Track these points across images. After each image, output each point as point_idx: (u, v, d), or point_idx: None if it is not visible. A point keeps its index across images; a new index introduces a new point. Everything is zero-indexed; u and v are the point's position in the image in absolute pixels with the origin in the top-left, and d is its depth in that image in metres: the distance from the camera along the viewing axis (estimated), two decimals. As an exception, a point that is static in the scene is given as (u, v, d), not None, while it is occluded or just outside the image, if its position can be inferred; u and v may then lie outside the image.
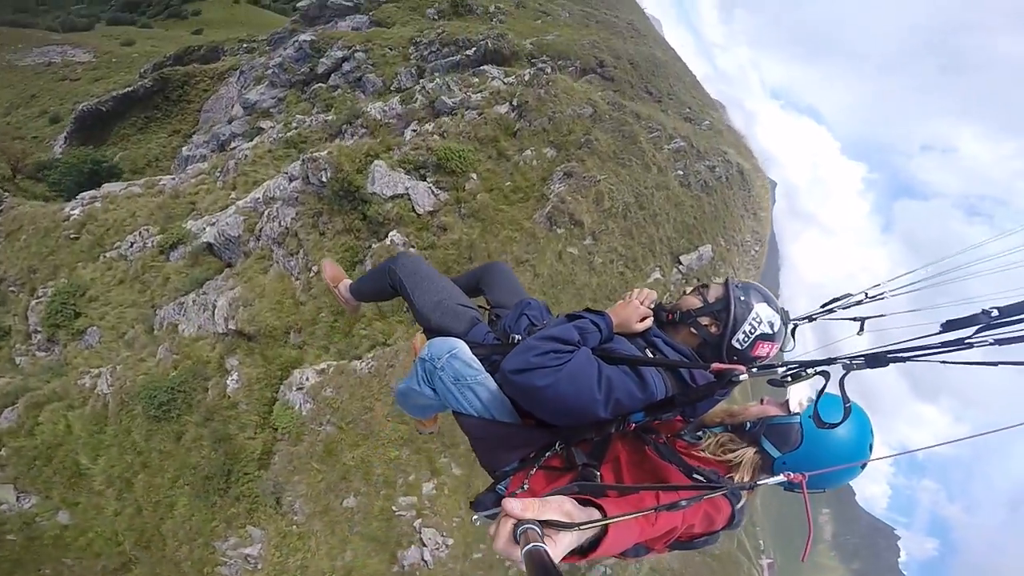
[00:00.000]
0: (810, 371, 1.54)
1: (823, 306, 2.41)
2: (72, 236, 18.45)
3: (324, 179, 14.15)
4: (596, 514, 1.16)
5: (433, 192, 14.18)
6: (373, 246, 13.82)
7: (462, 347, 2.11)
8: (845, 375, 1.48)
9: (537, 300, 2.58)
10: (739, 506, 1.79)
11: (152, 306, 15.67)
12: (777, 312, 2.06)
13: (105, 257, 17.54)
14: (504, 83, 17.40)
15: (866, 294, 2.35)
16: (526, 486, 1.81)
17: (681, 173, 16.14)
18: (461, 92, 17.19)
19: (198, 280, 15.31)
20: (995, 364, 1.29)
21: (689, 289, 2.23)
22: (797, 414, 1.81)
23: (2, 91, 37.57)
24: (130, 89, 29.16)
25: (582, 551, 1.18)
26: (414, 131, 15.92)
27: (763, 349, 2.03)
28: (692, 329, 2.12)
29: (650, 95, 21.49)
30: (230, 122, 23.58)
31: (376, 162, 14.13)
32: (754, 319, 2.02)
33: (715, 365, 1.78)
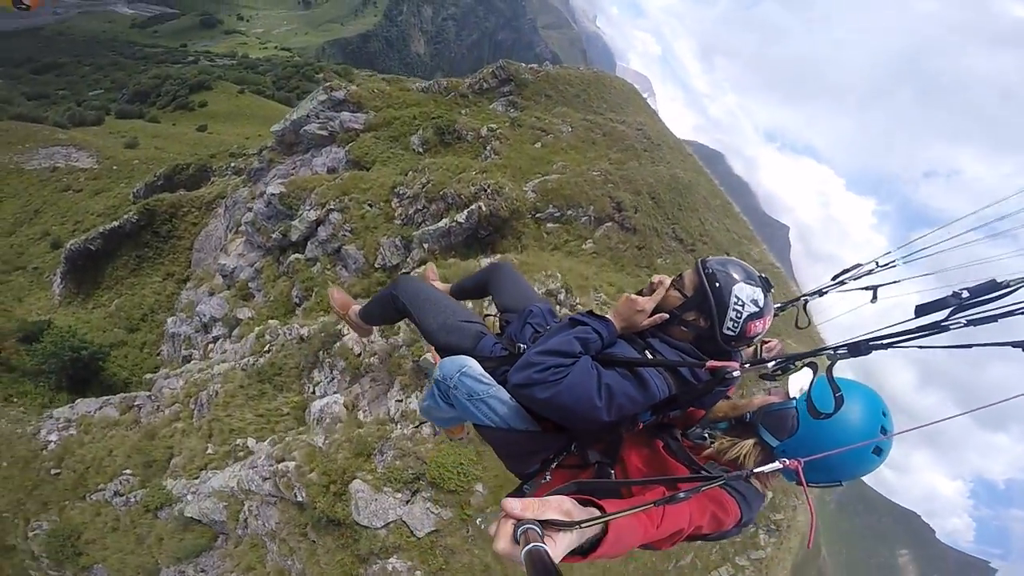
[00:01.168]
0: (798, 363, 1.66)
1: (834, 278, 2.39)
2: (54, 472, 17.05)
3: (300, 498, 11.77)
4: (596, 513, 1.16)
5: (432, 511, 11.53)
6: (374, 570, 11.40)
7: (471, 364, 2.17)
8: (831, 365, 1.54)
9: (540, 305, 2.64)
10: (752, 506, 1.78)
11: (155, 561, 14.34)
12: (757, 286, 2.03)
13: (91, 499, 16.08)
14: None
15: (876, 263, 2.32)
16: (547, 480, 1.93)
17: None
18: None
19: (193, 550, 13.90)
20: (969, 346, 1.33)
21: (666, 283, 2.19)
22: (793, 399, 1.72)
23: (8, 202, 37.40)
24: (117, 224, 27.85)
25: (583, 551, 1.19)
26: (398, 424, 13.21)
27: (757, 327, 2.02)
28: (683, 327, 2.12)
29: (680, 243, 17.95)
30: (211, 295, 21.56)
31: (356, 484, 11.61)
32: (736, 304, 2.00)
33: (710, 363, 1.85)
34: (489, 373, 2.18)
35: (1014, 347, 1.24)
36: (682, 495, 1.27)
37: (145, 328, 26.36)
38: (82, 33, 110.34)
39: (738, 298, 1.99)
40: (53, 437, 17.44)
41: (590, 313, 2.12)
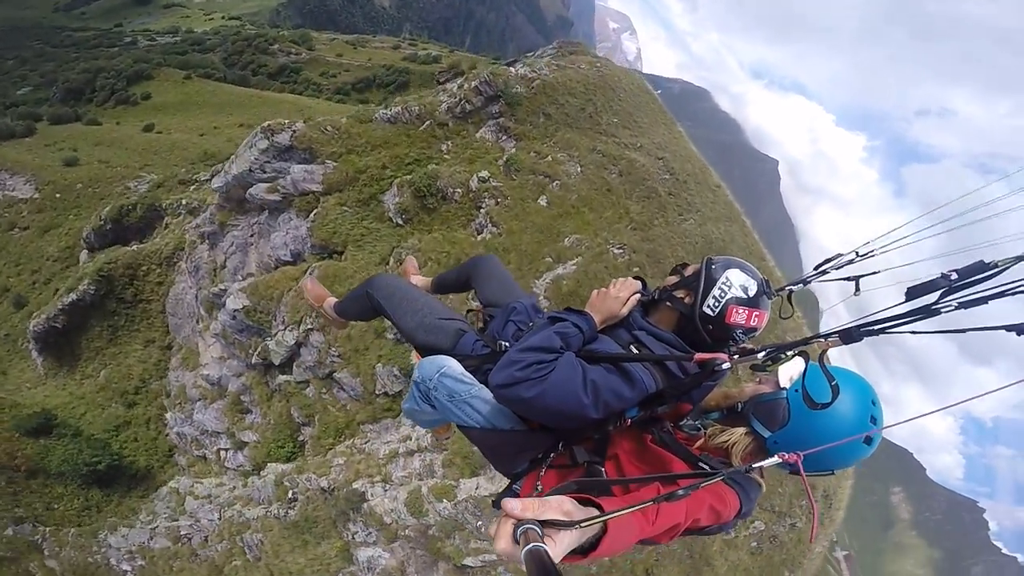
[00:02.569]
0: (788, 353, 1.60)
1: (816, 268, 2.40)
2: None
3: None
4: (595, 513, 1.15)
5: None
6: None
7: (450, 364, 2.13)
8: (823, 353, 1.55)
9: (524, 301, 2.55)
10: (751, 497, 1.76)
11: None
12: (752, 278, 2.01)
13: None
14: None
15: (856, 253, 2.35)
16: (540, 487, 1.84)
17: None
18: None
19: None
20: (963, 331, 1.29)
21: (670, 270, 2.24)
22: (784, 389, 1.71)
23: None
24: (76, 298, 24.89)
25: (583, 551, 1.18)
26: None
27: (739, 316, 1.97)
28: (668, 303, 2.12)
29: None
30: (205, 403, 19.61)
31: None
32: (724, 283, 1.99)
33: (697, 356, 1.78)
34: (471, 372, 2.14)
35: (1007, 331, 1.22)
36: (680, 492, 1.25)
37: (143, 401, 24.83)
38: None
39: (727, 278, 2.00)
40: (126, 567, 18.11)
41: (568, 309, 2.10)
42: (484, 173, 17.28)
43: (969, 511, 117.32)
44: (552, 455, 1.93)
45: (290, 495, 16.37)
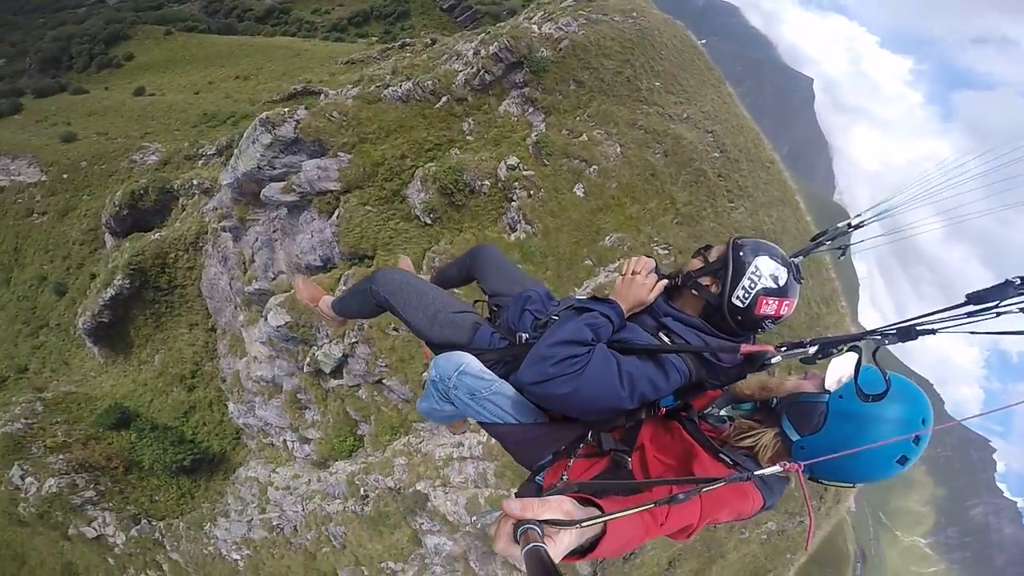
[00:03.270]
0: (842, 348, 1.53)
1: (812, 240, 2.47)
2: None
3: None
4: (596, 513, 1.16)
5: None
6: None
7: (469, 361, 2.06)
8: (876, 350, 1.48)
9: (536, 288, 2.50)
10: (775, 491, 1.72)
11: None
12: (783, 265, 1.93)
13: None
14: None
15: (849, 224, 2.43)
16: (565, 476, 1.80)
17: None
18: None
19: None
20: (1022, 332, 1.32)
21: (693, 252, 2.18)
22: (827, 392, 1.58)
23: None
24: (114, 293, 25.31)
25: (582, 551, 1.19)
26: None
27: (768, 306, 1.91)
28: (694, 291, 2.05)
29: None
30: (264, 398, 20.55)
31: None
32: (753, 273, 1.91)
33: (744, 347, 1.77)
34: (489, 366, 2.06)
35: None
36: (681, 496, 1.24)
37: (201, 384, 26.24)
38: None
39: (756, 267, 1.90)
40: (236, 556, 20.54)
41: (593, 298, 2.04)
42: (513, 160, 15.80)
43: (979, 449, 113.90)
44: (580, 445, 1.88)
45: (362, 492, 17.67)
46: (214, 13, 58.05)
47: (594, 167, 15.39)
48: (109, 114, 36.75)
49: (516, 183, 15.58)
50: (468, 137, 16.82)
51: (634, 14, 17.98)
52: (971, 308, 1.34)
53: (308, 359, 17.54)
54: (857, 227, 2.39)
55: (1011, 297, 1.30)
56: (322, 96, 22.42)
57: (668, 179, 14.99)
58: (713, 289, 1.97)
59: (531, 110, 16.66)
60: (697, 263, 2.07)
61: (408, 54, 33.07)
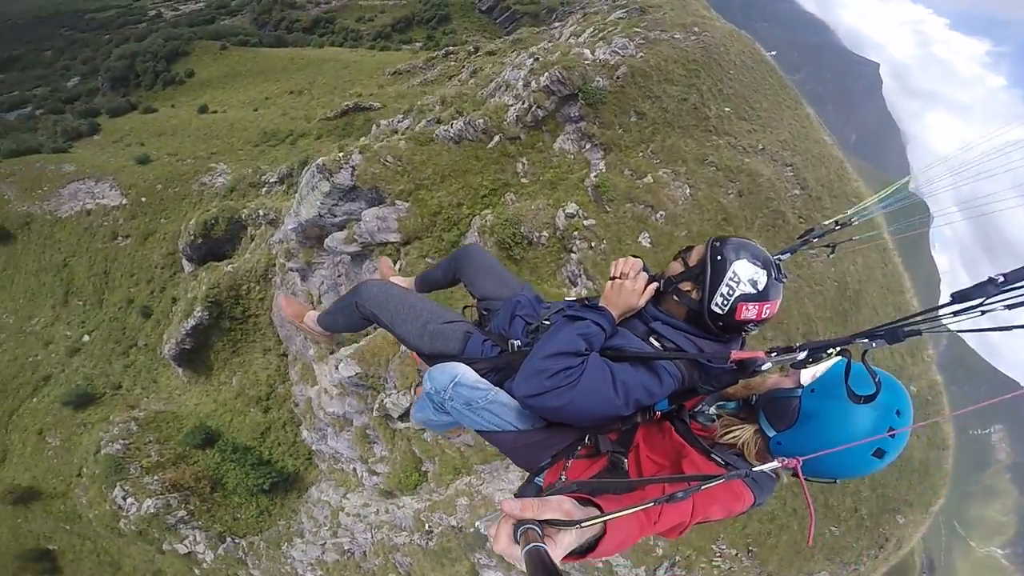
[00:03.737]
0: (831, 352, 1.54)
1: (799, 238, 2.43)
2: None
3: None
4: (595, 513, 1.15)
5: None
6: None
7: (463, 371, 2.03)
8: (866, 352, 1.49)
9: (526, 293, 2.49)
10: (765, 490, 1.70)
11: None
12: (762, 267, 1.89)
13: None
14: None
15: (836, 223, 2.41)
16: (564, 476, 1.83)
17: None
18: None
19: None
20: (1009, 328, 1.33)
21: (674, 255, 2.13)
22: (800, 387, 1.61)
23: (75, 265, 37.11)
24: (195, 323, 27.10)
25: (582, 551, 1.18)
26: None
27: (748, 311, 1.89)
28: (675, 297, 2.04)
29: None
30: (335, 430, 21.39)
31: None
32: (731, 279, 1.89)
33: (735, 354, 1.78)
34: (483, 374, 2.07)
35: None
36: (679, 495, 1.25)
37: (275, 406, 27.69)
38: (17, 15, 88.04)
39: (735, 273, 1.88)
40: None
41: (584, 305, 2.05)
42: (572, 207, 15.07)
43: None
44: (578, 447, 1.89)
45: (427, 527, 18.14)
46: (263, 25, 60.28)
47: (661, 213, 14.42)
48: (177, 134, 38.83)
49: (576, 232, 14.89)
50: (523, 179, 16.22)
51: (696, 28, 16.47)
52: (956, 307, 1.35)
53: (377, 404, 17.94)
54: (844, 225, 2.40)
55: (993, 295, 1.31)
56: (373, 128, 22.34)
57: (743, 223, 13.80)
58: (694, 295, 1.98)
59: (588, 146, 15.79)
60: (677, 267, 2.06)
61: (452, 63, 32.39)
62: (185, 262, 31.55)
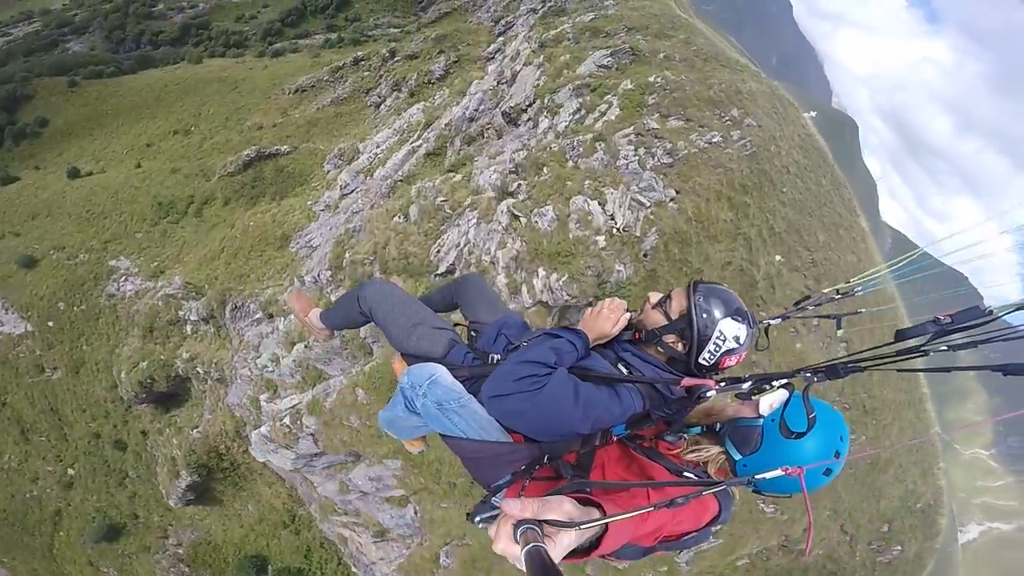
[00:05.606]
0: (775, 384, 1.70)
1: (795, 304, 2.50)
2: None
3: None
4: (596, 513, 1.15)
5: None
6: None
7: (442, 372, 2.10)
8: (807, 387, 1.61)
9: (515, 316, 2.63)
10: (727, 506, 1.82)
11: None
12: (743, 323, 2.00)
13: None
14: None
15: (838, 291, 2.41)
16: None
17: None
18: None
19: None
20: (948, 370, 1.40)
21: (653, 301, 2.18)
22: (762, 417, 1.77)
23: (22, 406, 32.12)
24: (189, 483, 24.95)
25: (582, 551, 1.19)
26: None
27: (730, 361, 2.03)
28: (659, 348, 2.10)
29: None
30: None
31: None
32: (718, 338, 1.98)
33: (685, 380, 1.87)
34: (460, 381, 2.11)
35: (993, 371, 1.29)
36: (680, 500, 1.31)
37: (304, 528, 26.55)
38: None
39: (721, 332, 1.97)
40: None
41: (563, 327, 2.14)
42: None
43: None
44: (536, 467, 1.90)
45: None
46: (119, 43, 44.45)
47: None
48: (54, 213, 30.65)
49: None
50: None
51: (734, 112, 11.12)
52: (900, 347, 1.43)
53: None
54: (845, 294, 2.53)
55: (939, 337, 1.40)
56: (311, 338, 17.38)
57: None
58: (679, 348, 2.06)
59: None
60: (659, 318, 2.12)
61: (366, 72, 24.79)
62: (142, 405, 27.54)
